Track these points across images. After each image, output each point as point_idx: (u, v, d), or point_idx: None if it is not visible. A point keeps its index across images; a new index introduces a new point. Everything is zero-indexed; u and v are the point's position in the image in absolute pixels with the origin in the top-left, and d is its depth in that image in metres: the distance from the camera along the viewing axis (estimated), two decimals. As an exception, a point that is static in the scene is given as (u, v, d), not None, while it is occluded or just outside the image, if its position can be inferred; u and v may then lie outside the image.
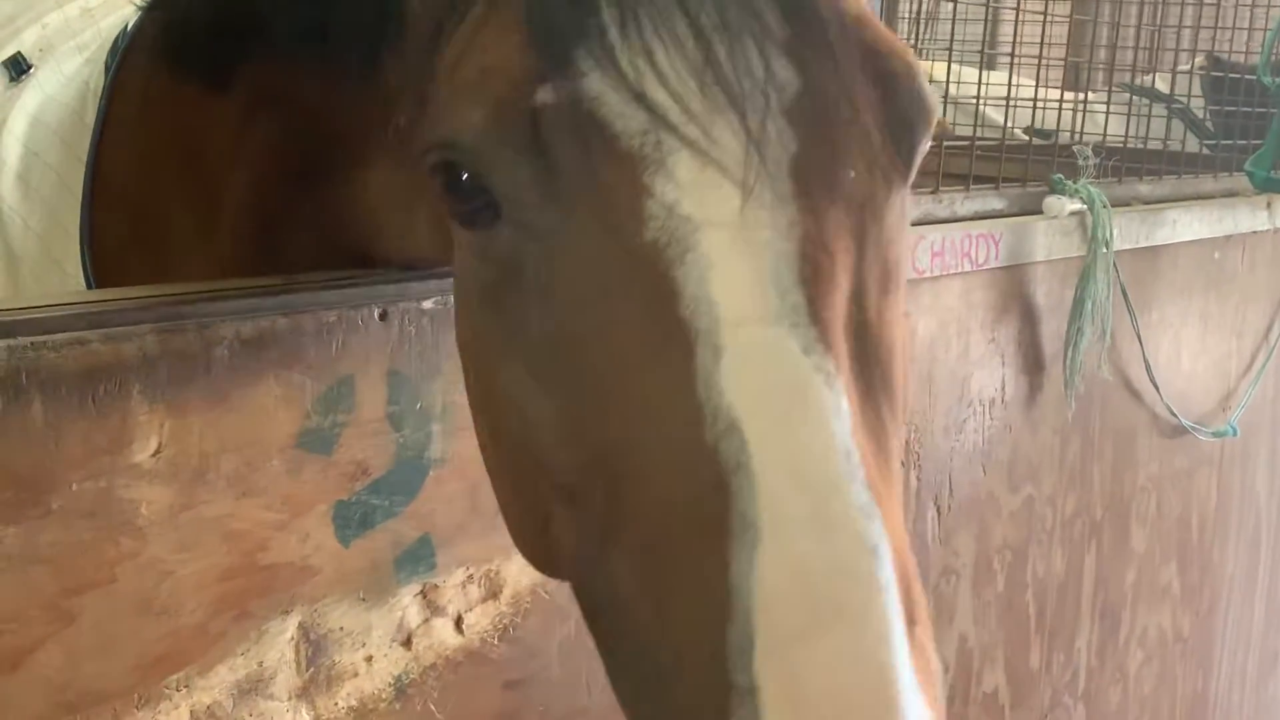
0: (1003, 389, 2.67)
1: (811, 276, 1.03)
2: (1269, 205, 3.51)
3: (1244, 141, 3.73)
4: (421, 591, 1.62)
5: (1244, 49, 4.88)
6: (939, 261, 2.44)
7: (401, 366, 1.56)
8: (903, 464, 2.30)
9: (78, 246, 1.89)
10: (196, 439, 1.39)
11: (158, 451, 1.35)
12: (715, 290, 1.01)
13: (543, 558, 1.18)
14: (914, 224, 2.37)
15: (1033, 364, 2.73)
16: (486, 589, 1.69)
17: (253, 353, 1.41)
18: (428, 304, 1.58)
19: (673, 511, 0.98)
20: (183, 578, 1.40)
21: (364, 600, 1.56)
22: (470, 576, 1.67)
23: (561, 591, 1.79)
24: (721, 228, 1.02)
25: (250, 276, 1.55)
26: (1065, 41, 5.40)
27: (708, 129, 1.03)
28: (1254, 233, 3.48)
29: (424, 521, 1.61)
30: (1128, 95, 4.78)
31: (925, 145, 1.16)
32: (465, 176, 1.10)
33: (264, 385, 1.43)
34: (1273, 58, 3.46)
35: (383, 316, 1.53)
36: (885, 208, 1.12)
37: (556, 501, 1.11)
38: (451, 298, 1.62)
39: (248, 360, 1.41)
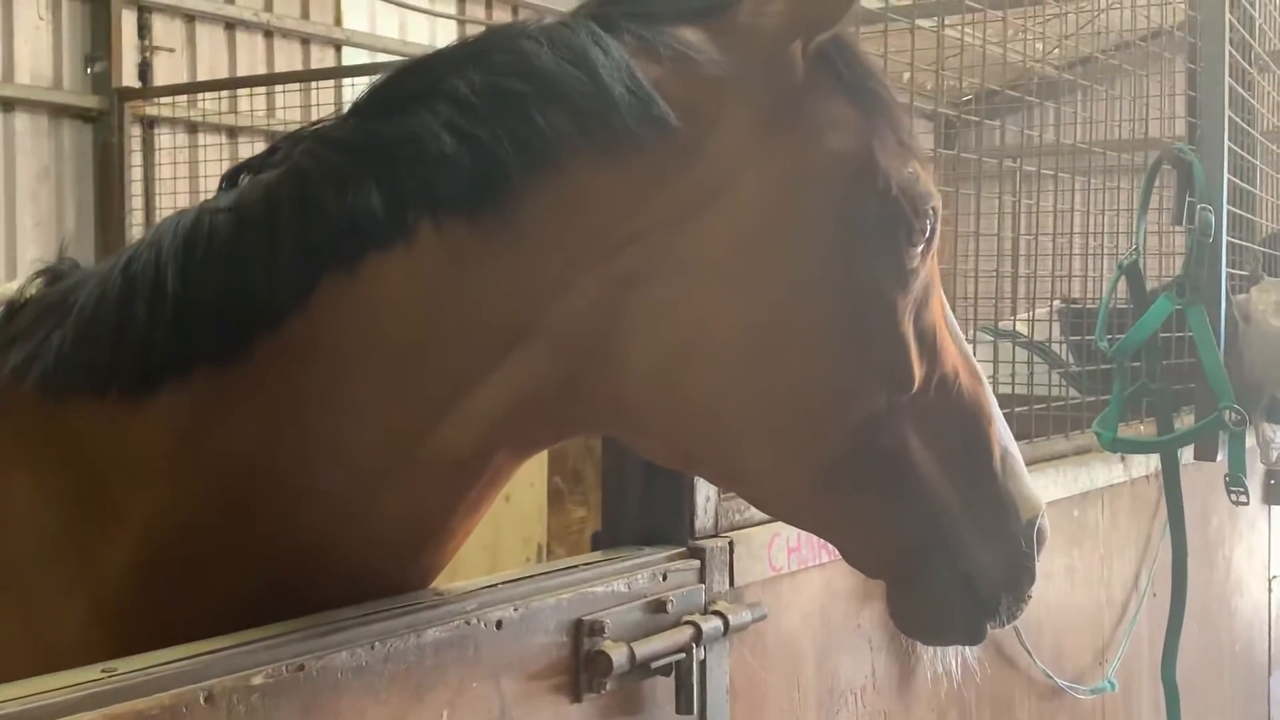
0: (873, 674, 2.67)
1: None
2: (1123, 458, 3.61)
3: (1104, 397, 3.82)
4: None
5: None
6: (795, 557, 2.46)
7: (231, 748, 1.51)
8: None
9: None
10: None
11: None
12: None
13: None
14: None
15: (901, 644, 2.74)
16: None
17: (62, 759, 1.36)
18: (258, 679, 1.55)
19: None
20: None
21: None
22: None
23: None
24: None
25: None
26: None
27: None
28: (1111, 486, 3.57)
29: None
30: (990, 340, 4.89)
31: None
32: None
33: (77, 792, 1.37)
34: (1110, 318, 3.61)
35: (208, 699, 1.49)
36: None
37: (896, 410, 1.90)
38: (284, 665, 1.60)
39: (58, 766, 1.36)
